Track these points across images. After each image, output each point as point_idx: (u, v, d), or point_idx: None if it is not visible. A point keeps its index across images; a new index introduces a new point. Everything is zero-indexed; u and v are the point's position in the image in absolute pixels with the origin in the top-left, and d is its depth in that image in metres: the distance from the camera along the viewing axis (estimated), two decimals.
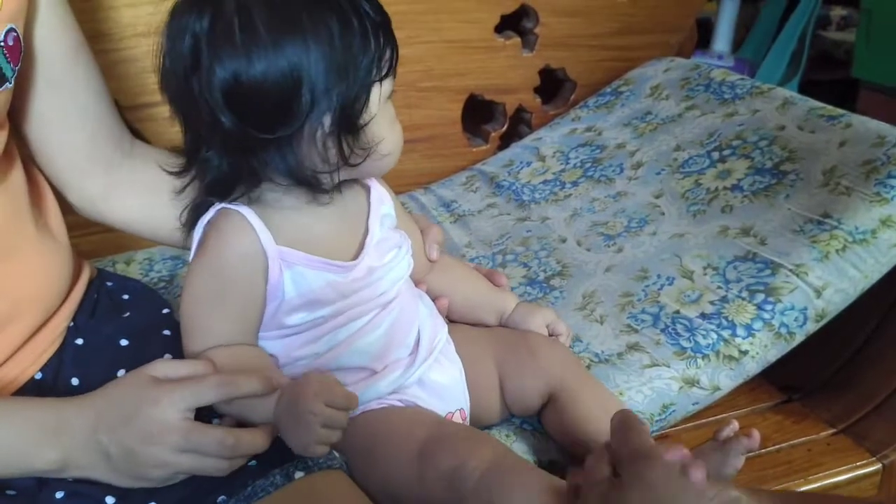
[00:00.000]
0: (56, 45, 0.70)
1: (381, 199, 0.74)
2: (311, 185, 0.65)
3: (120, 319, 0.74)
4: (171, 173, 0.68)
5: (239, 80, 0.60)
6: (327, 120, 0.62)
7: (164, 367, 0.62)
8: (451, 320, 0.81)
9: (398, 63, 0.66)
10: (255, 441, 0.61)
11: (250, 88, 0.60)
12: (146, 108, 1.10)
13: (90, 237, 1.02)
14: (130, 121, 1.04)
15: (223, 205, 0.67)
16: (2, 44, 0.62)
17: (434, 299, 0.81)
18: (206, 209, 0.68)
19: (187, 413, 0.59)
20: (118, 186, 0.77)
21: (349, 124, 0.63)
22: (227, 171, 0.65)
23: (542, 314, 0.82)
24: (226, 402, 0.62)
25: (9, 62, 0.63)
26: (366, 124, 0.64)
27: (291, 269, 0.67)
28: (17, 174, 0.69)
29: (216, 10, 0.60)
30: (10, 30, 0.63)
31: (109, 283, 0.79)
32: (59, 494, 0.60)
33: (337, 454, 0.65)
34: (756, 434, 0.66)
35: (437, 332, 0.76)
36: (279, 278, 0.66)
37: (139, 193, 0.78)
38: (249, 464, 0.62)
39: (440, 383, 0.74)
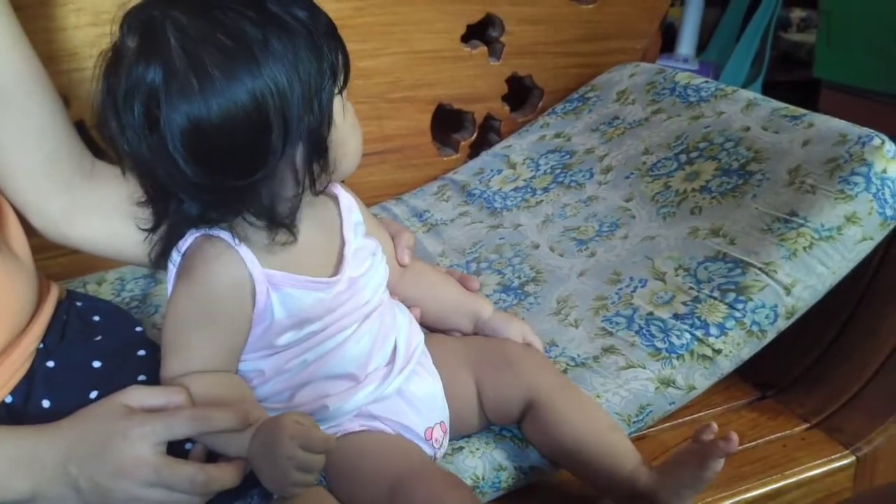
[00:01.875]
0: (10, 67, 0.70)
1: (350, 207, 0.73)
2: (283, 225, 0.63)
3: (92, 341, 0.73)
4: (143, 230, 0.66)
5: (200, 125, 0.57)
6: (299, 151, 0.60)
7: (139, 394, 0.61)
8: (425, 327, 0.81)
9: (351, 70, 0.63)
10: (225, 478, 0.60)
11: (214, 133, 0.57)
12: None
13: (60, 258, 1.01)
14: (98, 139, 1.02)
15: (202, 231, 0.65)
16: None
17: (407, 308, 0.80)
18: (179, 237, 0.66)
19: (158, 447, 0.58)
20: (80, 207, 0.76)
21: (320, 147, 0.61)
22: (201, 214, 0.63)
23: (519, 324, 0.82)
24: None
25: None
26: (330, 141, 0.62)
27: (279, 291, 0.66)
28: None
29: (165, 60, 0.57)
30: None
31: (79, 304, 0.78)
32: None
33: None
34: (734, 437, 0.66)
35: (414, 340, 0.76)
36: (267, 301, 0.65)
37: (101, 214, 0.77)
38: None
39: (419, 396, 0.73)
